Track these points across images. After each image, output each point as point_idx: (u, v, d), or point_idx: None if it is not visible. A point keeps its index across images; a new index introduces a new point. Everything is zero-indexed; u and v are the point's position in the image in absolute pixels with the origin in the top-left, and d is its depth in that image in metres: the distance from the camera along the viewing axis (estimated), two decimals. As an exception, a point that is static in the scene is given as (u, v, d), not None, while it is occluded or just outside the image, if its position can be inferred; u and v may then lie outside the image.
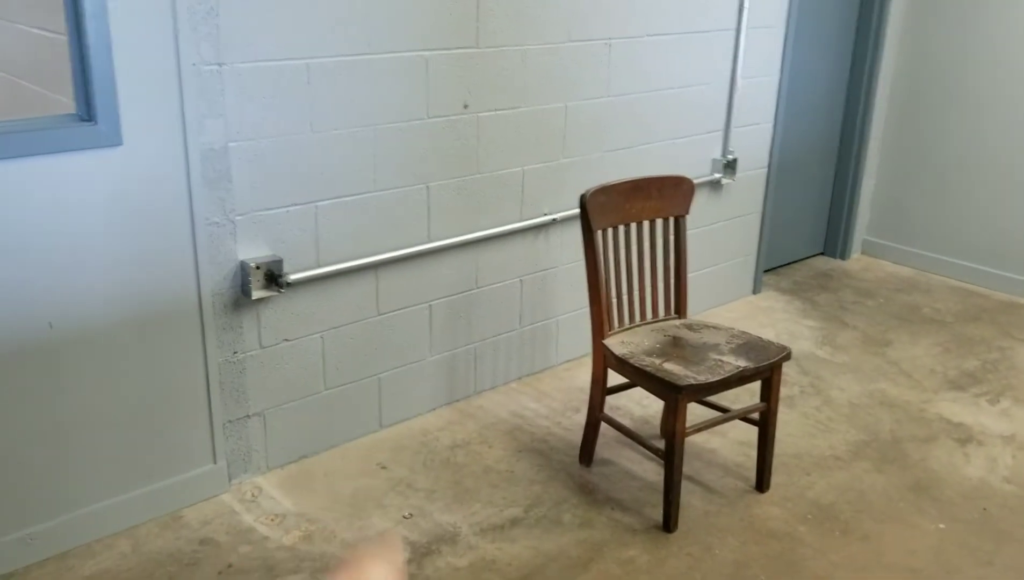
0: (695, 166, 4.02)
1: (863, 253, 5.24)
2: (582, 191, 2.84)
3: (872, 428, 3.40)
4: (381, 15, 2.85)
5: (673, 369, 2.72)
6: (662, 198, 3.01)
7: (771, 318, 4.34)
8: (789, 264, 5.03)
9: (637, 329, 3.03)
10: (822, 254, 5.20)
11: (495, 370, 3.57)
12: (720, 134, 4.07)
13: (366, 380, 3.18)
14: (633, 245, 3.01)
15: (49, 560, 2.59)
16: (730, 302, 4.49)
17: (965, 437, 3.35)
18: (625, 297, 3.03)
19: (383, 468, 3.07)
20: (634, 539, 2.75)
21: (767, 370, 2.83)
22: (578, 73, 3.44)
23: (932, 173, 4.88)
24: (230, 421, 2.89)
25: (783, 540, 2.77)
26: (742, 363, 2.78)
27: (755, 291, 4.58)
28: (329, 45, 2.76)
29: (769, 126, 4.28)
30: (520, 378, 3.68)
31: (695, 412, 3.21)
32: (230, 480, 2.94)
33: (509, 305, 3.53)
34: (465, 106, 3.14)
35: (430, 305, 3.28)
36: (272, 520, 2.80)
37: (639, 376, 2.79)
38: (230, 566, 2.60)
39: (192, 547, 2.67)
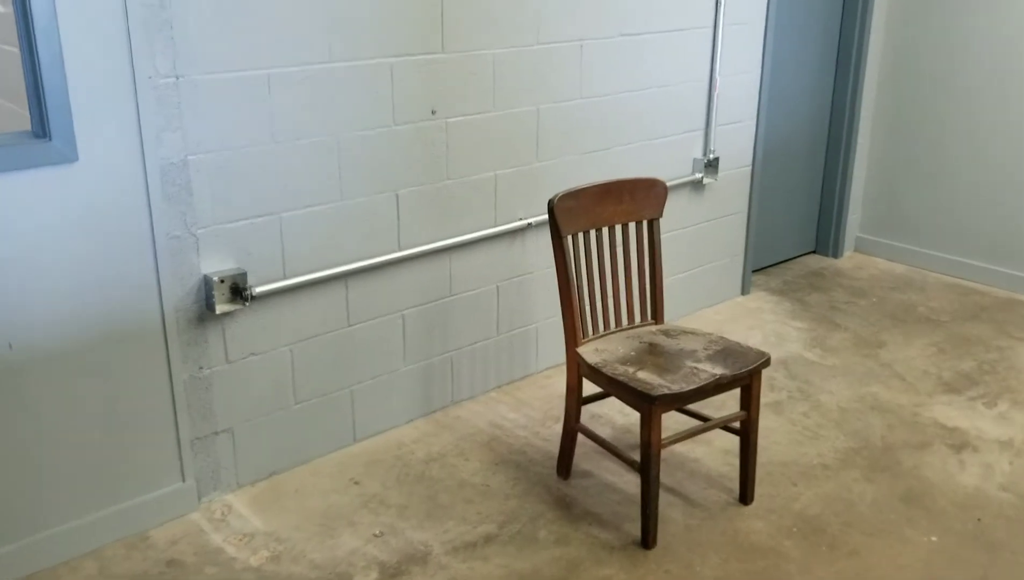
0: (676, 166, 3.94)
1: (856, 251, 5.14)
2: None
3: (862, 434, 3.31)
4: (342, 24, 2.78)
5: (647, 378, 2.65)
6: (634, 201, 2.93)
7: (759, 320, 4.25)
8: (780, 263, 4.94)
9: (612, 336, 2.95)
10: (814, 252, 5.11)
11: (473, 379, 3.50)
12: (700, 133, 3.98)
13: (338, 393, 3.11)
14: (605, 250, 2.93)
15: (10, 586, 2.54)
16: (717, 304, 4.40)
17: (960, 443, 3.26)
18: (599, 303, 2.96)
19: (356, 483, 3.00)
20: (611, 556, 2.67)
21: (745, 377, 2.75)
22: (549, 75, 3.36)
23: (925, 166, 4.78)
24: (198, 438, 2.83)
25: (767, 556, 2.68)
26: (719, 370, 2.70)
27: (744, 292, 4.50)
28: (289, 55, 2.69)
29: (752, 124, 4.20)
30: (499, 386, 3.60)
31: (677, 420, 3.13)
32: (200, 498, 2.88)
33: (486, 312, 3.46)
34: (433, 112, 3.06)
35: (403, 314, 3.20)
36: (240, 540, 2.73)
37: (612, 385, 2.71)
38: (194, 589, 2.54)
39: (158, 569, 2.60)
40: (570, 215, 2.80)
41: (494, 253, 3.41)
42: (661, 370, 2.71)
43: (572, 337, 2.85)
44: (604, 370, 2.71)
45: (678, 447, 3.20)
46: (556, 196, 2.75)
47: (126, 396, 2.64)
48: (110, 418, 2.62)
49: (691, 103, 3.91)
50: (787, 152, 4.69)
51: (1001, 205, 4.55)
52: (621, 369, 2.71)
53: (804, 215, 4.97)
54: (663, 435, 2.79)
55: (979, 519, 2.84)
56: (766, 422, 3.37)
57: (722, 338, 2.92)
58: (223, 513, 2.86)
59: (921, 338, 4.08)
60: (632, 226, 2.96)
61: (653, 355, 2.81)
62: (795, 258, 5.03)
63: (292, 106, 2.74)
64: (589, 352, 2.83)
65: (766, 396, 3.56)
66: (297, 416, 3.03)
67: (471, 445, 3.22)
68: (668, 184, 3.83)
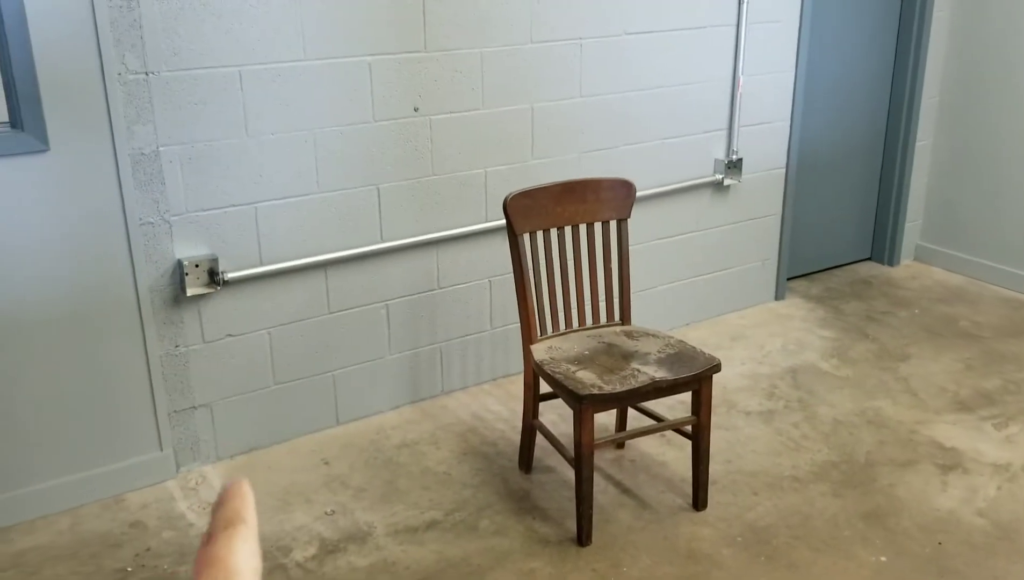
0: (694, 167, 3.87)
1: (916, 260, 4.87)
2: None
3: (847, 449, 3.18)
4: (316, 23, 2.91)
5: (584, 377, 2.65)
6: (599, 201, 2.93)
7: (784, 327, 4.12)
8: (829, 269, 4.76)
9: (571, 335, 2.96)
10: (869, 260, 4.88)
11: (464, 371, 3.57)
12: (723, 134, 3.90)
13: (319, 377, 3.26)
14: (569, 249, 2.94)
15: (-7, 532, 2.81)
16: (746, 308, 4.29)
17: (951, 463, 3.09)
18: (560, 302, 2.97)
19: (325, 464, 3.14)
20: (543, 550, 2.70)
21: (691, 381, 2.70)
22: (545, 74, 3.38)
23: (990, 173, 4.48)
24: (176, 411, 3.03)
25: (701, 562, 2.65)
26: (660, 374, 2.67)
27: (778, 297, 4.36)
28: (260, 53, 2.84)
29: (784, 124, 4.07)
30: (493, 380, 3.66)
31: (642, 421, 3.10)
32: (178, 468, 3.08)
33: (478, 306, 3.52)
34: (415, 109, 3.15)
35: (387, 304, 3.31)
36: (203, 509, 2.92)
37: (552, 383, 2.73)
38: (148, 550, 2.73)
39: (122, 529, 2.82)
40: (526, 214, 2.83)
41: (486, 248, 3.47)
42: (604, 371, 2.70)
43: (527, 334, 2.88)
44: (545, 367, 2.74)
45: (646, 449, 3.17)
46: (510, 194, 2.79)
47: (104, 369, 2.86)
48: (89, 388, 2.85)
49: (711, 103, 3.83)
50: (838, 154, 4.51)
51: (1070, 215, 4.22)
52: (563, 367, 2.73)
53: (858, 220, 4.76)
54: (614, 435, 2.81)
55: (940, 543, 2.70)
56: (751, 430, 3.30)
57: (680, 342, 2.88)
58: (197, 483, 3.05)
59: (951, 353, 3.86)
60: (599, 226, 2.96)
61: (606, 355, 2.81)
62: (847, 265, 4.83)
63: (265, 101, 2.89)
64: (541, 349, 2.86)
65: (761, 404, 3.47)
66: (277, 396, 3.20)
67: (447, 434, 3.30)
68: (685, 184, 3.83)
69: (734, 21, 3.76)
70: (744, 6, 3.72)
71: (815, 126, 4.36)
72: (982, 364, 3.76)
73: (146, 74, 2.69)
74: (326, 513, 2.89)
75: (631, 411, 3.22)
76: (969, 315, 4.23)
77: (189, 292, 2.90)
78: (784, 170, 4.15)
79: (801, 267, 4.63)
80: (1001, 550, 2.66)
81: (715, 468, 3.06)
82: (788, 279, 4.55)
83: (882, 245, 4.79)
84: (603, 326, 3.03)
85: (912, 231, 4.81)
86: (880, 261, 4.83)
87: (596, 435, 2.82)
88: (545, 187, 2.86)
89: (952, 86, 4.55)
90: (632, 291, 3.82)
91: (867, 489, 2.96)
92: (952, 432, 3.27)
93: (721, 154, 3.93)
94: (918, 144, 4.63)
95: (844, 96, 4.43)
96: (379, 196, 3.18)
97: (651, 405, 3.23)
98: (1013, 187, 4.39)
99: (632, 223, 3.72)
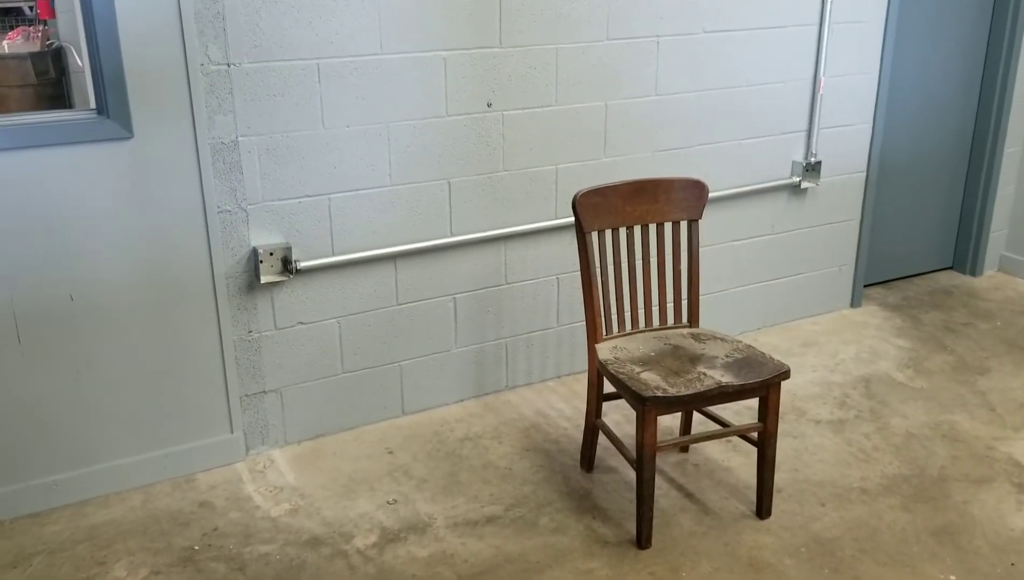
0: (770, 169, 3.80)
1: (999, 270, 4.71)
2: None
3: (920, 462, 3.09)
4: (393, 18, 2.93)
5: (648, 379, 2.63)
6: (670, 201, 2.89)
7: (858, 334, 4.02)
8: (908, 277, 4.63)
9: (637, 335, 2.94)
10: (951, 269, 4.73)
11: (529, 367, 3.57)
12: (802, 135, 3.82)
13: (386, 367, 3.30)
14: (637, 248, 2.92)
15: (69, 506, 2.91)
16: (821, 314, 4.20)
17: (1030, 483, 2.99)
18: (627, 302, 2.95)
19: (389, 453, 3.18)
20: (602, 551, 2.69)
21: (758, 387, 2.66)
22: (620, 71, 3.35)
23: (1084, 184, 4.31)
24: (247, 395, 3.10)
25: (762, 571, 2.60)
26: (727, 379, 2.63)
27: (853, 304, 4.26)
28: (338, 46, 2.88)
29: (867, 127, 3.96)
30: (558, 377, 3.66)
31: (708, 425, 3.07)
32: (247, 450, 3.15)
33: (544, 303, 3.52)
34: (488, 105, 3.16)
35: (454, 298, 3.33)
36: (270, 492, 2.98)
37: (616, 383, 2.71)
38: (215, 529, 2.80)
39: (191, 508, 2.90)
40: (595, 212, 2.81)
41: (554, 245, 3.46)
42: (669, 373, 2.68)
43: (592, 333, 2.87)
44: (609, 367, 2.72)
45: (712, 454, 3.13)
46: (580, 192, 2.78)
47: (180, 351, 2.94)
48: (164, 369, 2.93)
49: (791, 104, 3.76)
50: (921, 159, 4.38)
51: None
52: (627, 368, 2.71)
53: (940, 228, 4.62)
54: (677, 438, 2.78)
55: (1013, 564, 2.61)
56: (820, 439, 3.23)
57: (749, 347, 2.83)
58: (264, 466, 3.12)
59: (1035, 369, 3.73)
60: (669, 226, 2.93)
61: (671, 358, 2.78)
62: (927, 273, 4.69)
63: (341, 94, 2.93)
64: (606, 349, 2.84)
65: (832, 413, 3.40)
66: (345, 384, 3.24)
67: (510, 430, 3.31)
68: (761, 186, 3.77)
69: (817, 20, 3.68)
70: (828, 5, 3.64)
71: (898, 130, 4.25)
72: (1067, 381, 3.63)
73: (228, 65, 2.75)
74: (388, 502, 2.92)
75: (696, 415, 3.19)
76: (1055, 329, 4.08)
77: (263, 279, 2.96)
78: (864, 174, 4.05)
79: (879, 274, 4.52)
80: (1079, 575, 2.57)
81: (781, 476, 3.01)
82: (865, 286, 4.44)
83: (965, 254, 4.64)
84: (670, 328, 3.00)
85: (997, 241, 4.65)
86: (962, 271, 4.68)
87: (660, 437, 2.80)
88: (615, 185, 2.84)
89: (1046, 91, 4.39)
90: (702, 293, 3.78)
91: (939, 505, 2.87)
92: (1032, 450, 3.16)
93: (799, 156, 3.86)
94: (1006, 151, 4.47)
95: (929, 99, 4.30)
96: (450, 190, 3.20)
97: (717, 410, 3.20)
98: (1108, 198, 4.22)
99: (705, 224, 3.68)
